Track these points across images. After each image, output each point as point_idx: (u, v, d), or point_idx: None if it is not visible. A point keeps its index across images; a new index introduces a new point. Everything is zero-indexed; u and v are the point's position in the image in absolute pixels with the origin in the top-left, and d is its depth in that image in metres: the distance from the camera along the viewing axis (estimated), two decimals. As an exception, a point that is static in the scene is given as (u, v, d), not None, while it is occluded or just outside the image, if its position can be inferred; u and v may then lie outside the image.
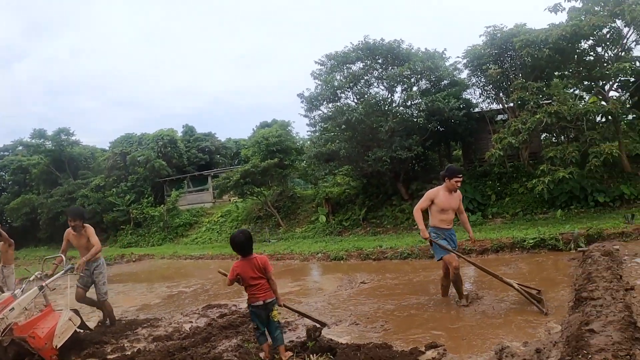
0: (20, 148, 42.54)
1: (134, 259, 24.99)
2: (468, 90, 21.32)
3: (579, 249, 12.00)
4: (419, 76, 20.14)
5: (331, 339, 7.19)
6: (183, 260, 22.37)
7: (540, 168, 15.56)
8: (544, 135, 20.97)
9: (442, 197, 8.68)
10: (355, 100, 20.49)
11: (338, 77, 20.40)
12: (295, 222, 26.03)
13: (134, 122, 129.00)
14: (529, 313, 7.63)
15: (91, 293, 10.10)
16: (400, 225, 20.25)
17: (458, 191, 8.78)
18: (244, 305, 10.09)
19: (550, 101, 16.38)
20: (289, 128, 29.21)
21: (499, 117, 21.54)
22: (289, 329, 8.39)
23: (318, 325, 7.46)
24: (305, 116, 21.53)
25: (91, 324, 9.97)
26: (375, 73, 20.62)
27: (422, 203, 8.80)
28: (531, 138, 17.21)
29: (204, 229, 31.12)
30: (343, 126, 20.06)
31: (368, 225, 21.51)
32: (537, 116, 15.45)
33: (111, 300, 12.85)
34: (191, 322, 9.79)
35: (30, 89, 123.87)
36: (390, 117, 19.39)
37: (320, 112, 21.14)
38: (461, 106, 19.73)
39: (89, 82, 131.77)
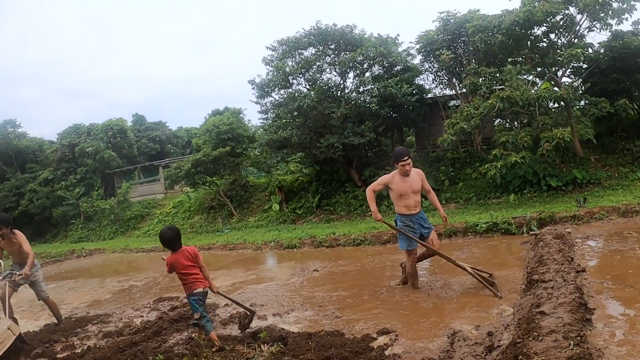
0: None
1: (84, 254, 24.16)
2: (421, 76, 21.21)
3: (531, 232, 12.00)
4: (371, 62, 19.80)
5: (283, 328, 7.15)
6: (135, 254, 21.77)
7: (493, 153, 15.42)
8: (497, 121, 20.89)
9: (397, 182, 8.28)
10: (308, 87, 20.12)
11: (290, 63, 19.98)
12: (248, 211, 25.55)
13: (82, 112, 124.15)
14: (482, 297, 7.51)
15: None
16: (353, 212, 20.05)
17: (418, 172, 8.38)
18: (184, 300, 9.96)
19: (503, 87, 16.19)
20: (241, 116, 28.45)
21: (452, 102, 21.29)
22: (234, 323, 8.13)
23: (249, 313, 7.45)
24: (257, 103, 21.09)
25: (41, 322, 10.05)
26: (328, 59, 20.27)
27: (374, 185, 8.54)
28: (484, 123, 17.13)
29: (156, 220, 30.43)
30: (295, 113, 19.64)
31: (322, 213, 21.24)
32: (490, 101, 15.31)
33: (61, 297, 13.21)
34: (142, 316, 9.55)
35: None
36: (342, 103, 19.08)
37: (272, 98, 20.73)
38: (414, 92, 19.58)
39: (33, 71, 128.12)
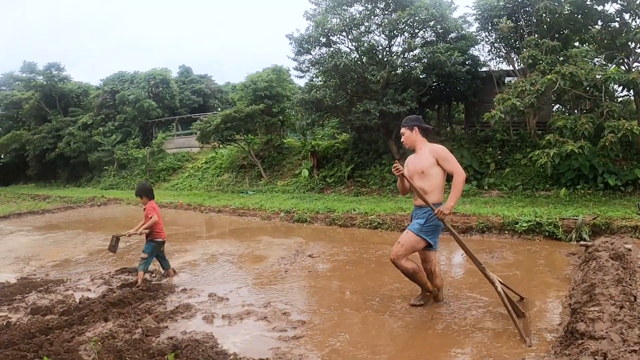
0: (18, 83, 39.94)
1: (98, 204, 22.95)
2: (476, 47, 18.68)
3: (581, 242, 9.40)
4: (422, 25, 17.33)
5: (217, 347, 5.47)
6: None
7: (546, 138, 12.93)
8: (556, 106, 18.39)
9: (409, 163, 6.50)
10: (350, 47, 17.77)
11: (334, 21, 17.57)
12: (279, 174, 23.69)
13: (135, 65, 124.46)
14: (504, 334, 5.46)
15: None
16: (386, 187, 17.96)
17: (434, 148, 6.25)
18: (159, 273, 9.10)
19: (566, 64, 13.75)
20: (285, 75, 26.44)
21: (508, 79, 18.82)
22: (189, 295, 7.57)
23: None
24: (294, 60, 18.80)
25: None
26: (377, 19, 17.78)
27: None
28: (540, 104, 14.77)
29: (187, 174, 29.11)
30: (332, 73, 17.42)
31: (352, 184, 19.26)
32: (549, 76, 12.86)
33: (37, 251, 12.47)
34: (89, 289, 8.41)
35: (39, 27, 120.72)
36: (386, 68, 16.76)
37: (310, 56, 18.37)
38: (466, 62, 17.17)
39: (94, 22, 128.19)
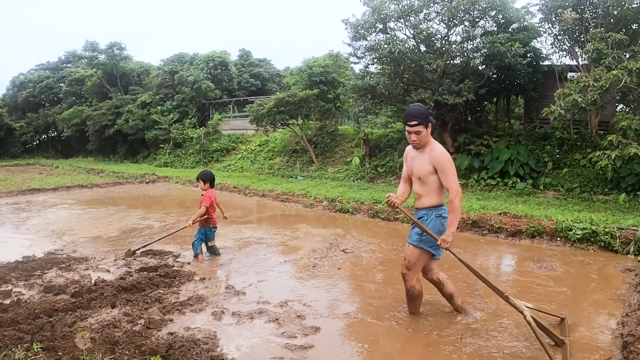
0: (83, 61, 41.04)
1: (147, 181, 23.07)
2: (538, 39, 17.63)
3: None
4: (482, 14, 16.46)
5: (214, 350, 5.09)
6: (194, 188, 20.12)
7: (608, 139, 11.98)
8: (620, 106, 17.35)
9: (409, 156, 5.90)
10: (407, 34, 17.01)
11: (392, 7, 16.82)
12: (330, 160, 23.16)
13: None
14: None
15: None
16: (438, 180, 17.09)
17: (436, 153, 5.55)
18: (184, 258, 9.13)
19: (633, 60, 12.79)
20: (343, 62, 25.83)
21: (571, 74, 17.83)
22: (206, 286, 7.37)
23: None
24: (349, 45, 18.13)
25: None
26: (436, 7, 16.94)
27: None
28: (603, 102, 13.81)
29: (239, 156, 28.92)
30: (386, 59, 16.72)
31: (404, 176, 18.38)
32: (614, 72, 11.96)
33: (72, 225, 12.57)
34: (108, 270, 8.33)
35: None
36: (444, 57, 16.00)
37: (366, 42, 17.64)
38: (527, 54, 16.28)
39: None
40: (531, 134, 17.49)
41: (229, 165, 27.97)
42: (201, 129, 32.00)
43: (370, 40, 17.21)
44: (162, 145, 33.60)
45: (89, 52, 38.67)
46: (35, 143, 48.52)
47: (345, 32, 17.66)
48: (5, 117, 44.20)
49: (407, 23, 16.60)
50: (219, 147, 30.72)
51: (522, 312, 5.17)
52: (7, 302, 6.68)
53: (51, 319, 5.87)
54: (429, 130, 5.54)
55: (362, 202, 13.78)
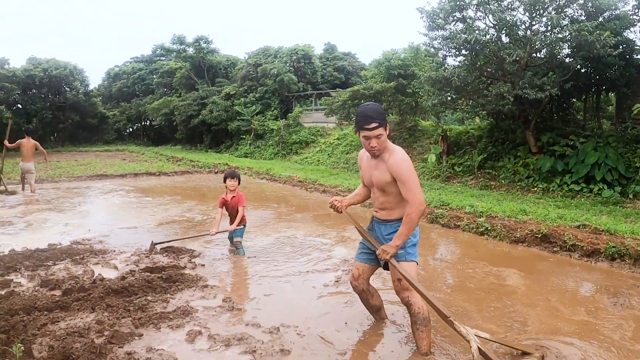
0: (175, 54, 41.83)
1: (215, 171, 22.79)
2: (632, 29, 15.57)
3: None
4: (569, 1, 14.57)
5: None
6: (260, 180, 19.83)
7: None
8: None
9: (364, 162, 4.99)
10: (488, 23, 15.33)
11: (471, -5, 15.22)
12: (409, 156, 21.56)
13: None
14: None
15: None
16: (517, 183, 15.39)
17: (396, 160, 4.57)
18: (201, 258, 8.29)
19: None
20: (424, 54, 24.42)
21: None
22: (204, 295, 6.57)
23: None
24: (425, 35, 16.61)
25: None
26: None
27: None
28: None
29: (317, 149, 28.02)
30: (463, 50, 15.13)
31: (482, 176, 16.94)
32: None
33: (116, 215, 12.57)
34: (116, 267, 7.81)
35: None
36: (527, 48, 14.28)
37: (443, 32, 16.07)
38: (619, 46, 14.31)
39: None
40: (622, 136, 15.36)
41: (306, 158, 27.29)
42: (282, 121, 31.59)
43: (448, 29, 15.66)
44: (244, 136, 33.55)
45: (177, 45, 39.56)
46: (128, 131, 51.06)
47: (420, 22, 16.24)
48: (99, 105, 46.82)
49: (487, 11, 14.97)
50: (298, 140, 30.15)
51: (468, 341, 4.21)
52: (3, 292, 6.46)
53: (25, 318, 5.45)
54: (387, 132, 4.60)
55: (427, 204, 12.24)
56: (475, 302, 6.12)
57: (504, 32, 14.65)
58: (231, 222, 8.71)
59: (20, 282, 6.93)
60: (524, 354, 4.54)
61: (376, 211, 4.95)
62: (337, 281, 7.02)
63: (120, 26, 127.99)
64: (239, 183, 8.71)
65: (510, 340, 4.86)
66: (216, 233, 8.57)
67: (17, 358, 4.40)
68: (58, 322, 5.43)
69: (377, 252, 4.67)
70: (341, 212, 5.06)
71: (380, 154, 4.65)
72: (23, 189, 16.49)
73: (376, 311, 5.44)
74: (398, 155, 4.58)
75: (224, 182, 8.74)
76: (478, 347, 4.10)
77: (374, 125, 4.45)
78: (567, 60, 14.29)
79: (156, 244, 8.79)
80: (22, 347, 4.55)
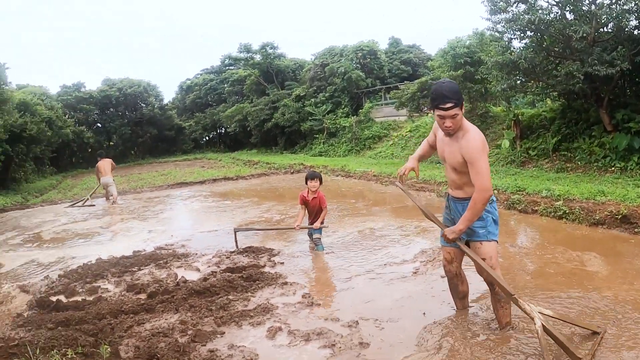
0: (243, 62, 42.91)
1: (291, 171, 23.13)
2: None
3: None
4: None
5: None
6: (334, 177, 19.98)
7: None
8: None
9: (439, 137, 4.83)
10: (550, 1, 14.95)
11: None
12: (481, 144, 21.25)
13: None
14: None
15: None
16: (593, 163, 14.88)
17: (468, 141, 4.43)
18: (280, 257, 8.42)
19: None
20: (489, 39, 24.02)
21: None
22: (284, 292, 6.62)
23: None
24: (488, 20, 16.32)
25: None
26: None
27: (430, 135, 5.23)
28: None
29: (391, 143, 27.95)
30: (527, 31, 14.80)
31: (557, 158, 16.50)
32: None
33: (197, 219, 13.12)
34: (198, 269, 8.07)
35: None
36: (593, 23, 13.89)
37: (506, 15, 15.75)
38: (695, 12, 13.75)
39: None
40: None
41: (380, 152, 27.25)
42: (353, 117, 31.73)
43: (510, 12, 15.37)
44: (317, 136, 33.97)
45: (244, 54, 40.41)
46: (204, 139, 52.74)
47: (482, 6, 16.00)
48: (175, 118, 49.01)
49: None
50: (371, 135, 30.21)
51: (532, 318, 4.21)
52: (91, 298, 6.80)
53: (114, 321, 5.69)
54: (462, 111, 4.47)
55: (503, 190, 12.10)
56: (556, 287, 6.00)
57: (567, 8, 14.28)
58: (310, 220, 8.84)
59: (107, 288, 7.26)
60: (593, 333, 4.50)
61: (451, 189, 4.88)
62: (415, 273, 6.94)
63: (187, 41, 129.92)
64: (320, 184, 8.77)
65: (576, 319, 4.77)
66: (299, 227, 8.71)
67: (105, 359, 4.67)
68: (143, 323, 5.64)
69: (442, 234, 4.72)
70: (403, 180, 5.14)
71: (455, 132, 4.53)
72: (107, 200, 18.34)
73: (462, 298, 5.34)
74: (472, 136, 4.45)
75: (306, 182, 8.82)
76: (542, 324, 4.08)
77: (449, 104, 4.30)
78: (635, 32, 13.75)
79: (237, 230, 9.20)
80: (110, 349, 4.82)
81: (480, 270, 4.64)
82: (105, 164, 18.46)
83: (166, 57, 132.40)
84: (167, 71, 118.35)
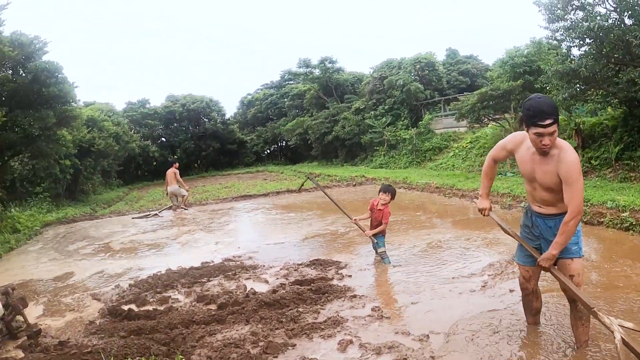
0: (303, 77, 44.04)
1: (353, 184, 23.12)
2: None
3: None
4: None
5: None
6: (396, 189, 19.47)
7: None
8: None
9: (523, 154, 4.52)
10: (608, 7, 14.71)
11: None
12: (543, 154, 20.93)
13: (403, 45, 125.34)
14: None
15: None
16: (658, 172, 14.56)
17: (565, 158, 4.22)
18: (348, 269, 8.44)
19: None
20: (547, 48, 23.72)
21: None
22: (353, 305, 6.57)
23: None
24: (546, 28, 16.17)
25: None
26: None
27: (495, 149, 4.86)
28: None
29: (451, 154, 27.75)
30: (587, 39, 14.60)
31: (620, 168, 16.15)
32: None
33: (263, 231, 13.35)
34: (267, 281, 8.15)
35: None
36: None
37: (564, 23, 15.58)
38: None
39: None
40: None
41: (441, 164, 27.10)
42: (413, 129, 31.78)
43: (568, 20, 15.20)
44: (377, 148, 34.04)
45: (303, 69, 41.41)
46: (266, 153, 54.26)
47: (539, 15, 15.88)
48: (237, 132, 50.89)
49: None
50: (431, 147, 30.18)
51: (612, 331, 4.13)
52: (162, 308, 6.97)
53: (185, 331, 5.82)
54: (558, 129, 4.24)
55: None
56: (626, 301, 5.93)
57: (626, 14, 14.06)
58: (370, 228, 8.87)
59: (177, 299, 7.42)
60: None
61: (539, 206, 4.64)
62: (483, 286, 6.89)
63: (248, 57, 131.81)
64: (391, 198, 8.70)
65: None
66: (355, 221, 8.90)
67: None
68: (215, 334, 5.73)
69: (538, 262, 4.57)
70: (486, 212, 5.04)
71: (549, 151, 4.28)
72: (174, 211, 19.18)
73: (534, 314, 5.24)
74: (569, 155, 4.23)
75: (378, 193, 8.76)
76: (622, 337, 4.04)
77: (549, 121, 4.07)
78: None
79: (309, 178, 9.97)
80: (182, 358, 4.96)
81: (565, 288, 4.55)
82: (169, 173, 19.59)
83: (227, 73, 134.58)
84: (226, 86, 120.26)
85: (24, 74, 16.02)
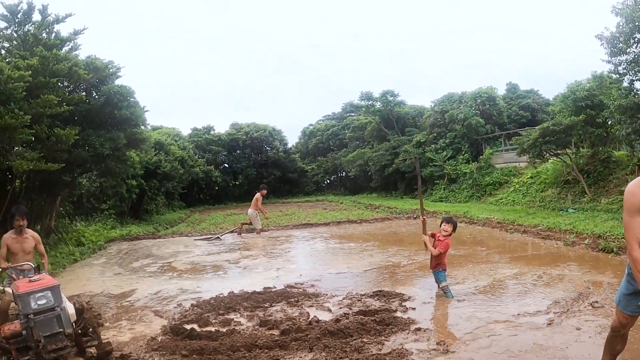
0: (364, 109, 44.21)
1: (414, 217, 22.93)
2: None
3: None
4: None
5: None
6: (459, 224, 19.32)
7: None
8: None
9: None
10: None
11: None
12: (604, 190, 20.60)
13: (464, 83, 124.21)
14: None
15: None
16: None
17: None
18: (412, 302, 8.29)
19: None
20: (609, 82, 23.34)
21: None
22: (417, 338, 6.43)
23: None
24: (609, 62, 16.00)
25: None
26: None
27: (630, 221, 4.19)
28: None
29: (512, 189, 27.43)
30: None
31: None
32: None
33: (325, 260, 13.22)
34: (330, 310, 8.06)
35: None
36: None
37: (627, 56, 15.39)
38: None
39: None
40: None
41: (501, 199, 26.81)
42: (473, 163, 31.62)
43: (631, 53, 15.01)
44: (438, 181, 33.97)
45: (364, 102, 41.62)
46: (325, 182, 55.26)
47: (602, 49, 15.74)
48: (298, 161, 52.44)
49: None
50: (492, 181, 29.86)
51: None
52: (224, 329, 6.97)
53: (248, 354, 5.83)
54: None
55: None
56: None
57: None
58: (431, 263, 8.82)
59: (240, 322, 7.46)
60: None
61: None
62: (549, 324, 6.72)
63: (311, 87, 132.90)
64: (453, 230, 8.58)
65: None
66: (425, 237, 8.90)
67: None
68: (278, 359, 5.78)
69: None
70: None
71: None
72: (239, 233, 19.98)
73: (613, 356, 4.94)
74: None
75: (440, 225, 8.71)
76: None
77: None
78: None
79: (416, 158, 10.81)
80: None
81: None
82: (255, 196, 20.09)
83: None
84: (287, 116, 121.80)
85: (97, 96, 16.71)
